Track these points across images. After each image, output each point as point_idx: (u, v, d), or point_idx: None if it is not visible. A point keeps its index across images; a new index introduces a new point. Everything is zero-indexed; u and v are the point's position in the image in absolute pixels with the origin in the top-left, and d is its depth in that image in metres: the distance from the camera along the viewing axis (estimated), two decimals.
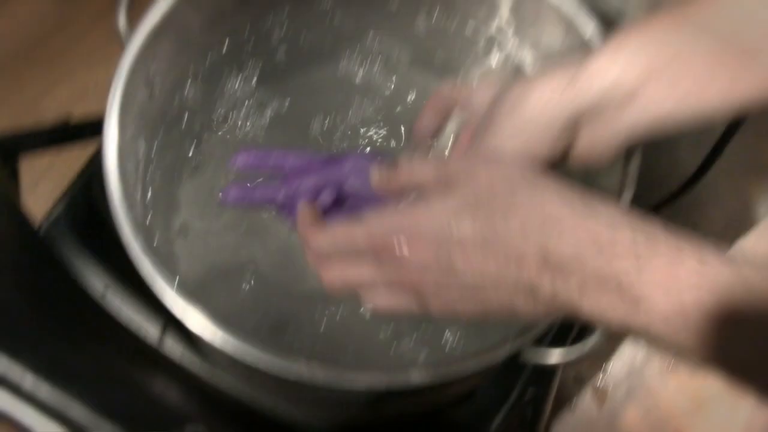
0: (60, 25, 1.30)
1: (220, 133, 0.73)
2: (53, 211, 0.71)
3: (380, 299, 0.51)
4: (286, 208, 0.60)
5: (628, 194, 0.60)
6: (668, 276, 0.40)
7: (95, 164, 0.78)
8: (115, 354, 0.55)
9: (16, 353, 0.52)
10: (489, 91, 0.59)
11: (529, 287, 0.45)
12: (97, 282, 0.66)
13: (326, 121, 0.74)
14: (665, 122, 0.51)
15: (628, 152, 0.61)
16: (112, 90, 0.57)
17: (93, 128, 0.80)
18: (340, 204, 0.60)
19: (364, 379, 0.53)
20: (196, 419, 0.53)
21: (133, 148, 0.62)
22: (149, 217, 0.64)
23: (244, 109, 0.74)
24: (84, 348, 0.54)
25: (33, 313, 0.54)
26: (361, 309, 0.67)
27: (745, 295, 0.39)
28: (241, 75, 0.73)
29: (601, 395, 1.11)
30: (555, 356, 0.61)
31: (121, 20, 0.60)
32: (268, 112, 0.74)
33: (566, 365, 1.03)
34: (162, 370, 0.58)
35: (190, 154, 0.72)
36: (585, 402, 1.09)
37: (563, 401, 1.10)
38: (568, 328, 0.72)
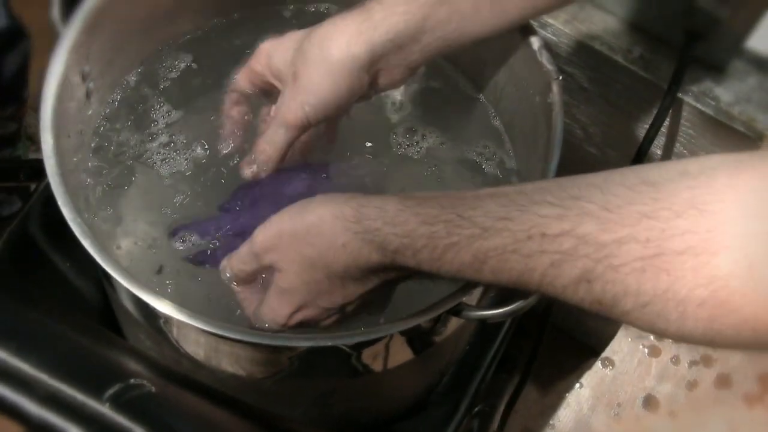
0: None
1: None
2: None
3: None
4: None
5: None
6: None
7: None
8: (58, 319, 0.55)
9: None
10: (289, 45, 0.60)
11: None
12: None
13: None
14: (452, 44, 0.59)
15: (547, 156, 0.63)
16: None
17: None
18: None
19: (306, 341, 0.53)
20: (140, 377, 0.52)
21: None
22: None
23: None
24: (20, 307, 0.53)
25: None
26: None
27: None
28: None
29: None
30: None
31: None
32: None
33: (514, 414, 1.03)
34: (103, 335, 0.57)
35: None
36: None
37: None
38: None
